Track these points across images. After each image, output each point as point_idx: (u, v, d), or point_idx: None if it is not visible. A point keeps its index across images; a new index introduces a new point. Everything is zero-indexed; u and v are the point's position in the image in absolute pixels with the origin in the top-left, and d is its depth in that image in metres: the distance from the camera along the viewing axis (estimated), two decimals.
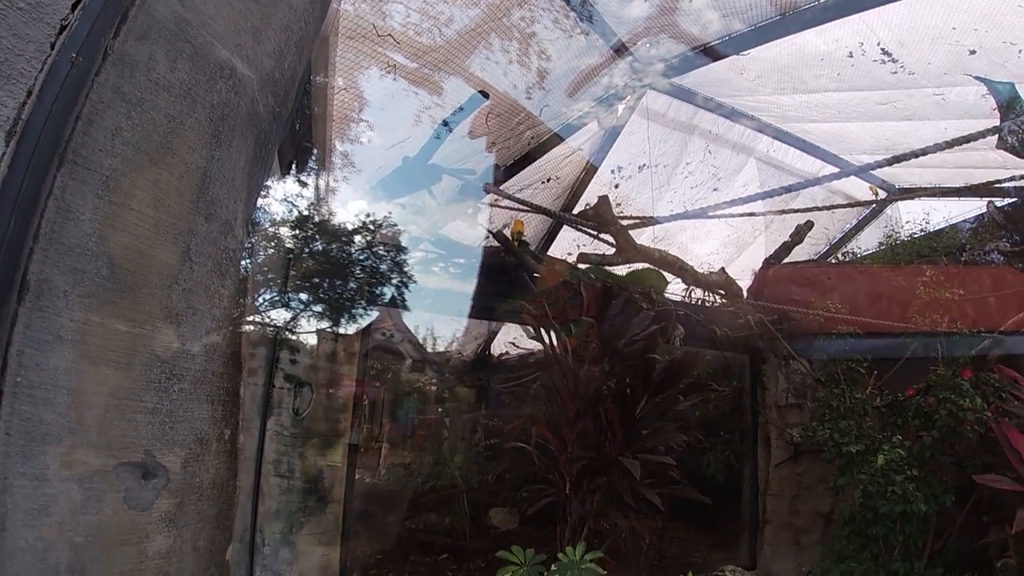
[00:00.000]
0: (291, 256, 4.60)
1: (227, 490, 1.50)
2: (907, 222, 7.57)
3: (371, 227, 5.43)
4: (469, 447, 7.77)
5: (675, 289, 5.81)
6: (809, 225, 6.10)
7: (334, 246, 5.11)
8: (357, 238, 5.31)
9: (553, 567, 3.33)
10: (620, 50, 5.20)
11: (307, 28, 1.80)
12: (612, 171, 6.78)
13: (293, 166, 4.59)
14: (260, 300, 4.27)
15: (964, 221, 6.91)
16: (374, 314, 5.43)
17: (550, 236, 7.46)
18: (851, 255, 7.60)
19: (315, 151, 4.78)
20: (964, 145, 4.89)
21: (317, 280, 4.82)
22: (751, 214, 7.06)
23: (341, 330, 4.66)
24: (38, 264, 1.10)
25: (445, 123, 5.41)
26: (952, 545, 3.80)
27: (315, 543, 4.11)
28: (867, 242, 7.92)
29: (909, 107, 5.23)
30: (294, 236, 4.82)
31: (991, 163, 5.42)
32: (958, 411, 3.74)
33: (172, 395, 1.31)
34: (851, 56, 4.68)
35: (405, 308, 6.20)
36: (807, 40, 4.64)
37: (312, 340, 4.60)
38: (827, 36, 4.56)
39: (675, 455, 4.62)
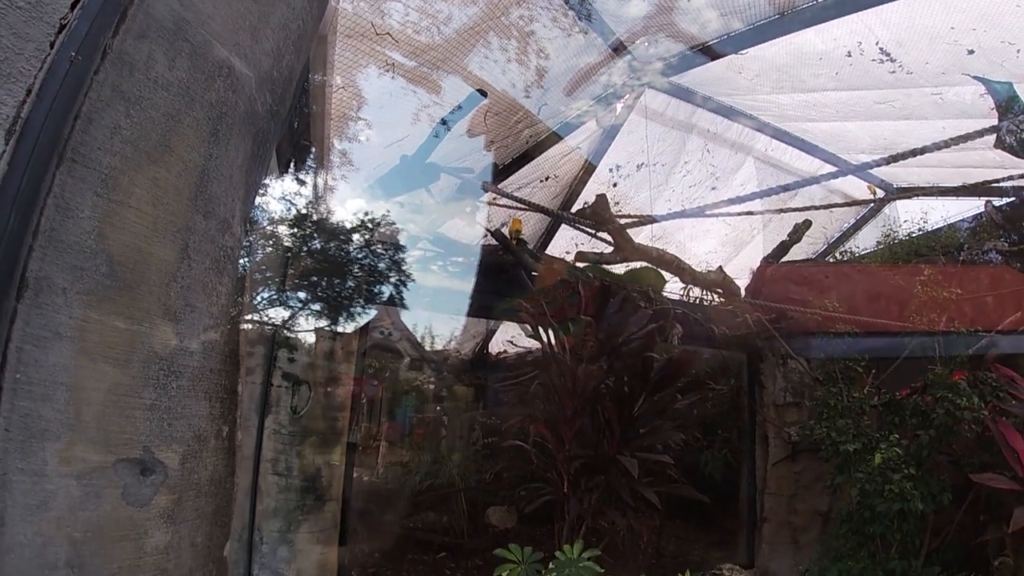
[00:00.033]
0: (289, 254, 4.60)
1: (225, 487, 1.51)
2: (905, 221, 7.61)
3: (369, 225, 5.42)
4: (467, 445, 7.78)
5: (673, 288, 5.80)
6: (807, 224, 6.10)
7: (332, 244, 5.10)
8: (355, 236, 5.30)
9: (551, 565, 3.33)
10: (618, 49, 5.20)
11: (305, 27, 1.80)
12: (610, 170, 6.78)
13: (291, 164, 4.59)
14: (258, 298, 4.27)
15: (962, 220, 6.95)
16: (372, 312, 5.41)
17: (548, 235, 7.46)
18: (849, 254, 7.61)
19: (313, 149, 4.78)
20: (962, 144, 4.92)
21: (315, 278, 4.81)
22: (749, 213, 7.06)
23: (339, 328, 4.65)
24: (37, 261, 1.11)
25: (443, 121, 5.41)
26: (949, 544, 3.81)
27: (313, 541, 4.10)
28: (865, 241, 7.94)
29: (907, 106, 5.24)
30: (292, 234, 4.81)
31: (989, 162, 5.43)
32: (955, 410, 3.76)
33: (170, 392, 1.31)
34: (849, 55, 4.69)
35: (403, 307, 6.19)
36: (806, 39, 4.65)
37: (310, 338, 4.59)
38: (825, 35, 4.57)
39: (673, 454, 4.63)
